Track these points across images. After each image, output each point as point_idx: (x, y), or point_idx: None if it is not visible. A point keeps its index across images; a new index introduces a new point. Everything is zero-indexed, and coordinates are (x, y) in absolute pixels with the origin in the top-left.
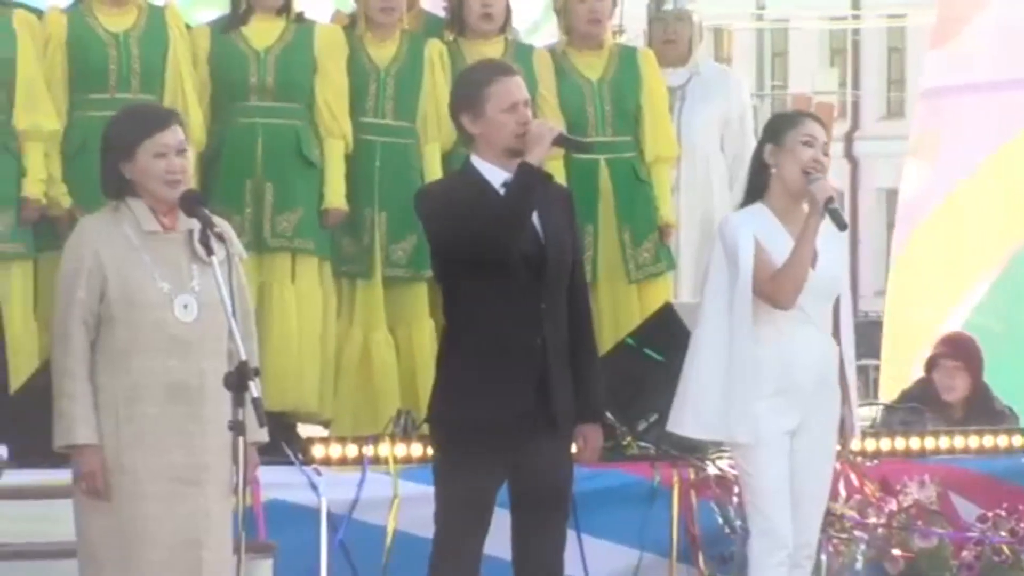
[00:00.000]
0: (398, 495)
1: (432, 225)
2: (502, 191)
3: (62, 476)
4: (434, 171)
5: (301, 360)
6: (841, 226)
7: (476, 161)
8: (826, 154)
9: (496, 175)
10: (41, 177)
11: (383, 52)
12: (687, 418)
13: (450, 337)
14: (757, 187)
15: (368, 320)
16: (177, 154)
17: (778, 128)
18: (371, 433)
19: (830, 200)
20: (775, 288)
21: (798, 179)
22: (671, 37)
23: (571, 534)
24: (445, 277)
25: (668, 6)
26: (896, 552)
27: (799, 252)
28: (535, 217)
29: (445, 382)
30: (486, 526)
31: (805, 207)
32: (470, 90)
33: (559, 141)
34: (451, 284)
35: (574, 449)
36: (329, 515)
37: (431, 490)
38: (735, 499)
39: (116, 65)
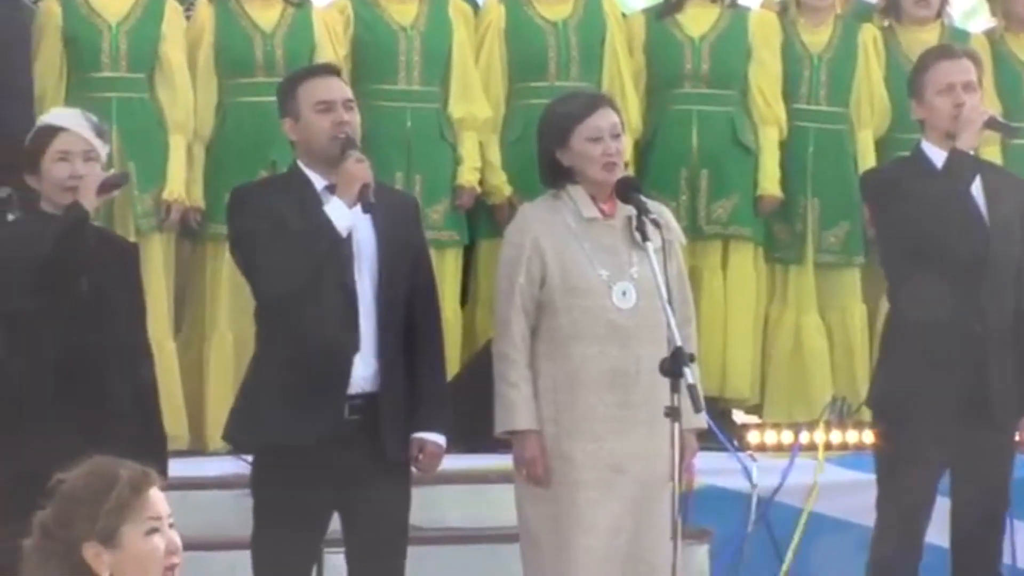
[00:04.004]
0: (818, 481)
1: (876, 209)
2: None
3: (501, 461)
4: (867, 157)
5: (731, 346)
6: None
7: (925, 146)
8: None
9: (942, 161)
10: (475, 165)
11: (817, 38)
12: None
13: (892, 322)
14: None
15: (800, 306)
16: (612, 137)
17: None
18: (803, 419)
19: None
20: None
21: None
22: None
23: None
24: (887, 261)
25: None
26: None
27: None
28: (981, 205)
29: (885, 367)
30: (928, 512)
31: None
32: (914, 75)
33: (990, 125)
34: (893, 268)
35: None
36: (760, 501)
37: (862, 476)
38: None
39: (555, 53)
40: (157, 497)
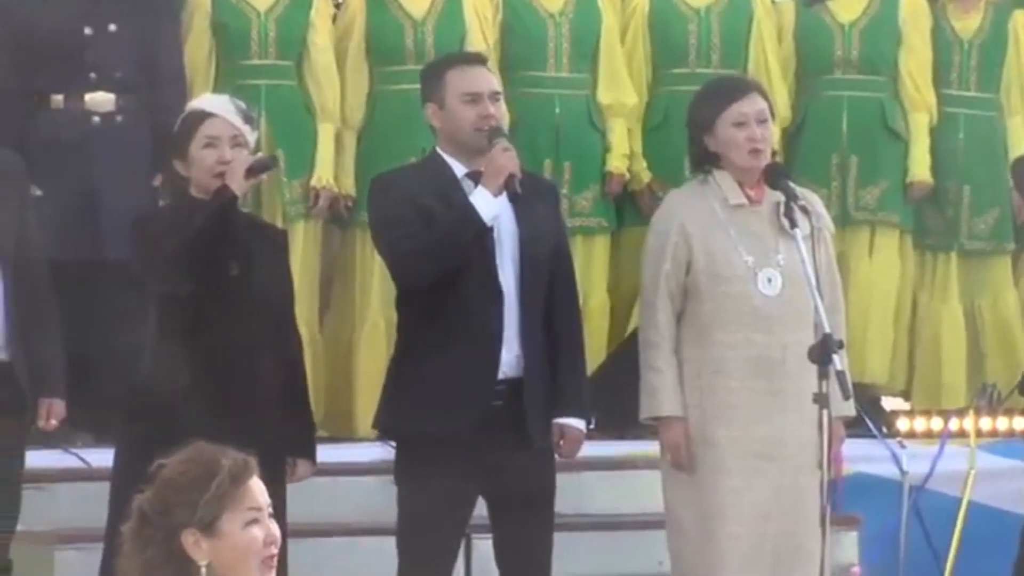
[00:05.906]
0: (974, 468)
1: None
2: None
3: (648, 447)
4: (1018, 143)
5: (871, 331)
6: None
7: None
8: None
9: None
10: (624, 152)
11: (967, 23)
12: None
13: None
14: None
15: (949, 293)
16: (758, 123)
17: None
18: (952, 405)
19: None
20: None
21: None
22: None
23: None
24: None
25: None
26: None
27: None
28: None
29: None
30: None
31: None
32: None
33: None
34: None
35: None
36: (911, 488)
37: (1013, 464)
38: None
39: (696, 40)
40: (257, 487)
